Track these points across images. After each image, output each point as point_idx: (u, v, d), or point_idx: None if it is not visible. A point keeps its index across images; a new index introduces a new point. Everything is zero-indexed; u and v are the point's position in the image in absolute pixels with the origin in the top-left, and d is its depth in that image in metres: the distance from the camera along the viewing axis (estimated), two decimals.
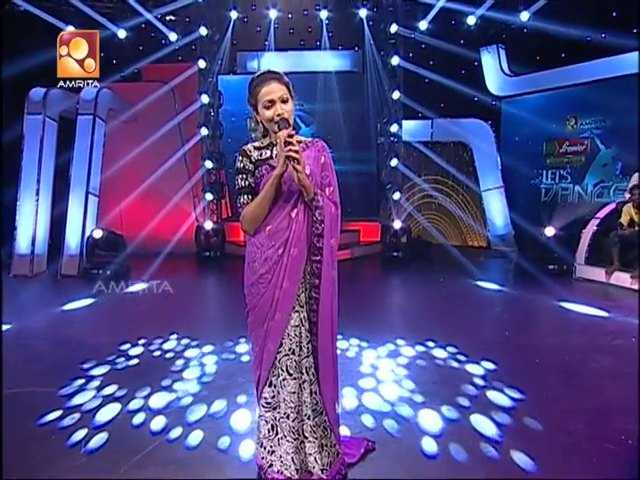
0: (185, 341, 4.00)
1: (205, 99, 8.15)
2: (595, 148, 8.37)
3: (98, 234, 6.76)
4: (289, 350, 1.92)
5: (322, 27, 9.39)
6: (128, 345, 3.88)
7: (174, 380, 3.23)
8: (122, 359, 3.61)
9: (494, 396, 2.97)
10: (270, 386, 1.94)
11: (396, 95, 8.40)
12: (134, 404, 2.88)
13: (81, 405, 2.87)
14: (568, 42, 7.59)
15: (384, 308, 5.38)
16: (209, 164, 8.23)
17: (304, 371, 1.94)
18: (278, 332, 1.90)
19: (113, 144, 7.97)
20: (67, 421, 2.67)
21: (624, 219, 6.08)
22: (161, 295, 5.71)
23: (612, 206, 6.68)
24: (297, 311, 1.91)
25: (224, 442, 2.46)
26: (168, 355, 3.71)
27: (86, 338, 4.13)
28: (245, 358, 3.61)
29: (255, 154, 1.96)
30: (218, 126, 8.50)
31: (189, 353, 3.75)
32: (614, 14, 7.93)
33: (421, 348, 3.81)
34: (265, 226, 1.89)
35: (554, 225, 6.86)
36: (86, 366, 3.46)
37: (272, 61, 9.73)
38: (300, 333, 1.92)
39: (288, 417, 1.93)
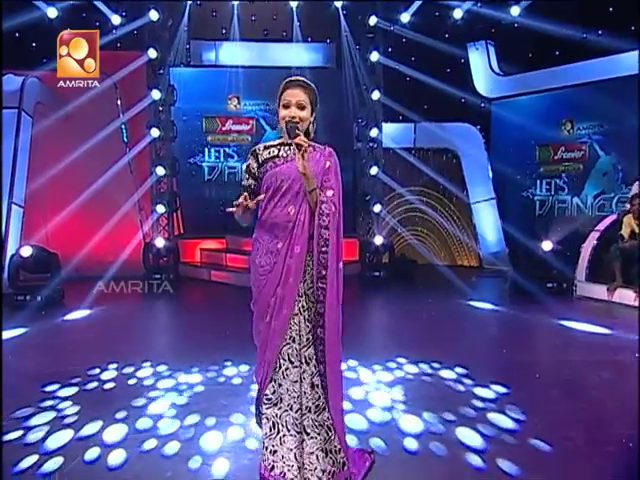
0: (149, 369, 4.29)
1: (156, 95, 8.52)
2: (594, 154, 9.12)
3: (26, 252, 6.87)
4: (290, 339, 2.35)
5: (292, 16, 10.04)
6: (78, 377, 4.07)
7: (146, 406, 3.53)
8: (75, 389, 3.84)
9: (494, 414, 3.45)
10: (271, 381, 2.35)
11: (376, 95, 9.08)
12: (105, 433, 3.16)
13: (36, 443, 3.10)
14: (562, 40, 8.34)
15: (368, 329, 5.85)
16: (161, 171, 8.56)
17: (303, 360, 2.35)
18: (283, 327, 2.33)
19: (41, 146, 8.19)
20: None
21: (625, 231, 6.83)
22: (109, 322, 5.99)
23: (613, 217, 7.46)
24: (296, 300, 2.37)
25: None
26: (131, 381, 4.00)
27: (26, 371, 4.29)
28: (221, 379, 3.99)
29: (264, 153, 2.46)
30: (171, 127, 8.88)
31: (160, 382, 4.03)
32: (610, 10, 8.67)
33: (412, 367, 4.27)
34: (265, 222, 2.39)
35: (551, 239, 7.56)
36: (47, 390, 3.68)
37: (233, 52, 10.25)
38: (299, 321, 2.36)
39: (291, 408, 2.32)
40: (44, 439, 3.05)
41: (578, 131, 9.36)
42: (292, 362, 2.34)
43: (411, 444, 2.99)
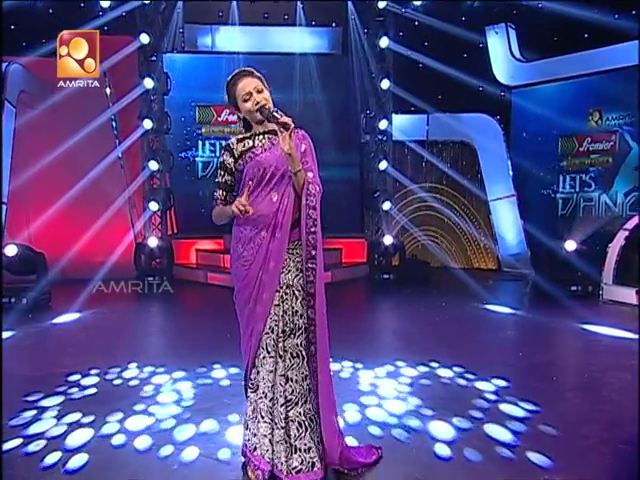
0: (149, 369, 4.61)
1: (148, 83, 8.84)
2: (625, 146, 9.19)
3: (11, 251, 7.16)
4: (269, 328, 2.67)
5: None
6: (78, 376, 4.42)
7: (149, 405, 3.83)
8: (75, 389, 4.16)
9: (507, 408, 3.73)
10: (254, 367, 2.70)
11: (385, 84, 9.37)
12: (109, 428, 3.46)
13: (43, 432, 3.41)
14: (591, 21, 8.36)
15: (377, 332, 6.19)
16: (154, 165, 8.88)
17: (279, 352, 2.66)
18: (265, 312, 2.66)
19: (25, 138, 8.50)
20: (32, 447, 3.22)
21: None
22: (101, 326, 6.30)
23: None
24: (277, 290, 2.68)
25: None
26: (132, 383, 4.31)
27: (21, 371, 4.62)
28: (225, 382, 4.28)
29: (239, 146, 2.75)
30: (164, 118, 9.21)
31: (156, 380, 4.36)
32: None
33: (424, 368, 4.57)
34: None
35: (575, 238, 7.83)
36: (32, 398, 3.96)
37: (231, 37, 10.60)
38: (278, 312, 2.68)
39: (265, 396, 2.65)
40: (63, 433, 3.37)
41: (607, 122, 9.44)
42: (269, 352, 2.66)
43: (423, 442, 3.29)
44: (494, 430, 3.41)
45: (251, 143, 2.73)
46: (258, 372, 2.67)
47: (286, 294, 2.69)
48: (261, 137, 2.73)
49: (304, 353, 2.68)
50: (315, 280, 2.64)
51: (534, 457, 3.07)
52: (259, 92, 2.67)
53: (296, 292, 2.68)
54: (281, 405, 2.64)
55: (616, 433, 3.38)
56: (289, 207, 2.64)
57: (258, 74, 2.74)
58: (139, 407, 3.80)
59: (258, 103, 2.64)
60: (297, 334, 2.67)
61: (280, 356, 2.66)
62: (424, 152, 10.37)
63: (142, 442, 3.28)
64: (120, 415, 3.64)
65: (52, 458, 3.08)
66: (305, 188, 2.62)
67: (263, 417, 2.65)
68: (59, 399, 3.96)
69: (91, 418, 3.59)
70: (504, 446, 3.20)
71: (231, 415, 3.60)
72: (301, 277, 2.69)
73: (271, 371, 2.65)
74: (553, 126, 9.86)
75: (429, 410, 3.71)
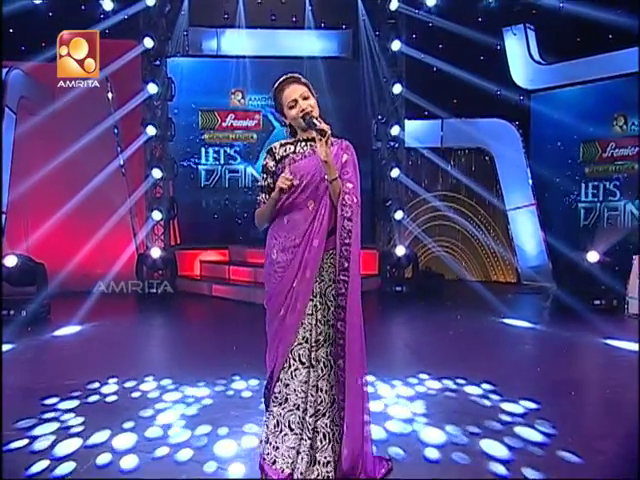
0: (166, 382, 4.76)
1: (152, 89, 9.06)
2: None
3: (11, 261, 7.34)
4: (302, 339, 2.75)
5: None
6: (81, 389, 4.56)
7: (154, 418, 3.96)
8: (77, 401, 4.30)
9: (523, 430, 3.81)
10: (278, 381, 2.76)
11: (397, 89, 9.51)
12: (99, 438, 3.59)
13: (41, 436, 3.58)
14: (615, 21, 8.39)
15: (390, 345, 6.29)
16: (157, 173, 9.07)
17: (312, 362, 2.74)
18: (296, 323, 2.73)
19: (25, 145, 8.74)
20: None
21: None
22: (104, 339, 6.44)
23: None
24: (311, 299, 2.77)
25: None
26: (135, 395, 4.46)
27: (27, 382, 4.80)
28: (230, 392, 4.38)
29: (281, 150, 2.89)
30: (168, 124, 9.41)
31: (167, 395, 4.47)
32: None
33: (440, 383, 4.67)
34: (283, 217, 2.79)
35: (598, 249, 7.89)
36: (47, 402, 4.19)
37: (237, 41, 10.81)
38: (311, 322, 2.77)
39: (298, 408, 2.72)
40: (51, 447, 3.49)
41: (632, 127, 9.51)
42: (303, 363, 2.75)
43: (433, 454, 3.39)
44: (513, 444, 3.50)
45: (292, 149, 2.85)
46: (286, 385, 2.73)
47: (320, 303, 2.78)
48: (303, 144, 2.85)
49: (332, 363, 2.77)
50: (347, 293, 2.71)
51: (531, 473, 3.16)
52: (305, 99, 2.78)
53: (328, 302, 2.78)
54: (310, 416, 2.73)
55: (634, 449, 3.44)
56: (325, 216, 2.73)
57: (305, 80, 2.86)
58: (133, 423, 3.89)
59: (303, 110, 2.76)
60: (328, 343, 2.77)
61: (312, 366, 2.75)
62: (438, 159, 10.46)
63: (147, 454, 3.40)
64: (108, 432, 3.74)
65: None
66: (341, 198, 2.71)
67: (293, 429, 2.72)
68: (60, 408, 4.11)
69: (93, 428, 3.72)
70: (525, 456, 3.30)
71: (242, 426, 3.74)
72: (333, 288, 2.77)
73: (305, 382, 2.73)
74: (574, 131, 9.85)
75: (445, 424, 3.81)
